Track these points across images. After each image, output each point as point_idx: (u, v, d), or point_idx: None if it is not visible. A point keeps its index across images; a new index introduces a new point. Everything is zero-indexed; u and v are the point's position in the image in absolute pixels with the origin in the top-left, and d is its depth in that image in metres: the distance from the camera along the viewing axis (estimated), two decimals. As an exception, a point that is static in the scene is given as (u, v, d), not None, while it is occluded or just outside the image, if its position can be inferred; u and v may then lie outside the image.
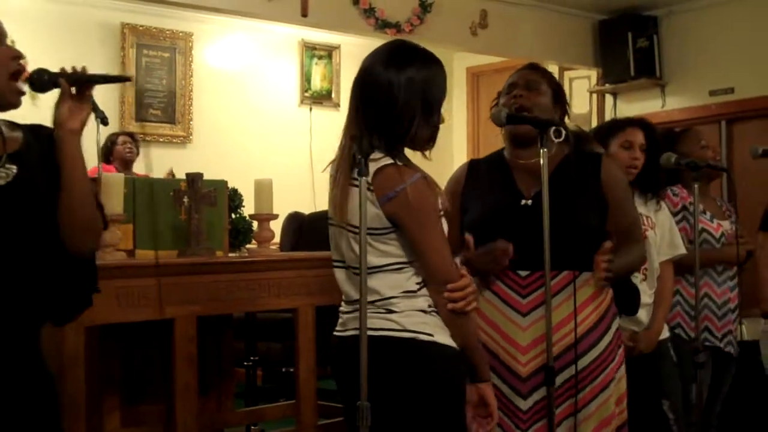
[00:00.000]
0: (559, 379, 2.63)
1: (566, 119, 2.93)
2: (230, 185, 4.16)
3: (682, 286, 3.63)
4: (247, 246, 4.24)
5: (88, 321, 3.21)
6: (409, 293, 2.21)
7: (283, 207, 5.60)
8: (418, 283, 2.23)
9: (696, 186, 3.24)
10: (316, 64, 8.44)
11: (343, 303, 2.35)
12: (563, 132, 2.54)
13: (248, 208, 4.19)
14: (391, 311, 2.20)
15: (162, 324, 3.45)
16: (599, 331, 2.71)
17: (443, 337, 2.22)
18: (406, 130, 2.23)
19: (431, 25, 6.71)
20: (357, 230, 2.15)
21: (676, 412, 3.34)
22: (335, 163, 2.30)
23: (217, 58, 7.84)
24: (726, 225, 3.77)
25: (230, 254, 3.98)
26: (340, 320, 2.35)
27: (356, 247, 2.18)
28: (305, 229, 6.11)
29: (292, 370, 4.11)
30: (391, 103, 2.22)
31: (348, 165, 2.21)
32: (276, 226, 5.28)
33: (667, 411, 3.34)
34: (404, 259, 2.22)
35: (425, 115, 2.26)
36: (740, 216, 3.93)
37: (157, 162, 6.83)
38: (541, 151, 2.50)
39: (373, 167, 2.17)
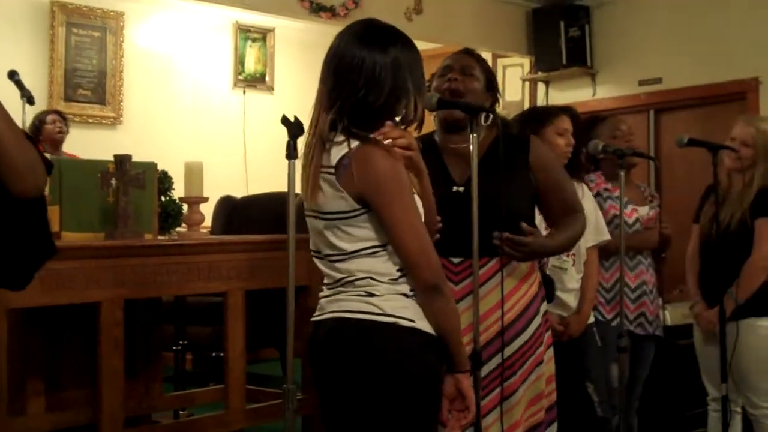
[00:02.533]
0: (489, 366, 2.66)
1: (497, 107, 2.95)
2: (161, 168, 4.10)
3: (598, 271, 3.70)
4: (177, 229, 4.20)
5: (11, 304, 3.16)
6: (392, 281, 2.14)
7: (215, 190, 5.56)
8: (398, 270, 2.16)
9: (622, 173, 3.29)
10: (250, 46, 8.36)
11: (323, 288, 2.26)
12: (492, 117, 2.55)
13: (179, 191, 4.14)
14: (371, 294, 2.13)
15: (88, 307, 3.41)
16: (527, 316, 2.74)
17: (423, 323, 2.15)
18: (388, 108, 2.18)
19: (366, 9, 6.69)
20: (326, 217, 2.12)
21: (600, 395, 3.40)
22: (306, 147, 2.21)
23: (149, 38, 7.72)
24: (643, 211, 3.84)
25: (159, 237, 3.93)
26: (318, 306, 2.27)
27: (329, 234, 2.14)
28: (237, 213, 6.07)
29: (222, 354, 4.09)
30: (380, 85, 2.15)
31: (320, 150, 2.13)
32: (207, 210, 5.25)
33: (592, 394, 3.39)
34: (377, 243, 2.15)
35: (419, 92, 2.22)
36: (666, 202, 4.01)
37: (87, 143, 6.69)
38: (471, 136, 2.51)
39: (343, 149, 2.11)
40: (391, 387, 2.11)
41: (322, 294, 2.24)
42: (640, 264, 3.78)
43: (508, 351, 2.68)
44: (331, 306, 2.17)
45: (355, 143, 2.11)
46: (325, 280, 2.23)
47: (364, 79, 2.14)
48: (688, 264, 3.89)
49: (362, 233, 2.13)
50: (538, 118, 3.56)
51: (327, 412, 2.20)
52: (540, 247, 2.72)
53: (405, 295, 2.15)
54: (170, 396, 4.39)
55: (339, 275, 2.17)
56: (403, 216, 2.11)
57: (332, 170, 2.10)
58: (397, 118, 2.20)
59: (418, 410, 2.15)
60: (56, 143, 6.17)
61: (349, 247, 2.14)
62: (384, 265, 2.14)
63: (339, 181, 2.09)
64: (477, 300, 2.53)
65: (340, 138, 2.13)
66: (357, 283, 2.14)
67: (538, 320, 2.77)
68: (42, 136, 6.03)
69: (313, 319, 2.25)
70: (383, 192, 2.09)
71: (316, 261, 2.24)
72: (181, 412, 4.53)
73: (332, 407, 2.17)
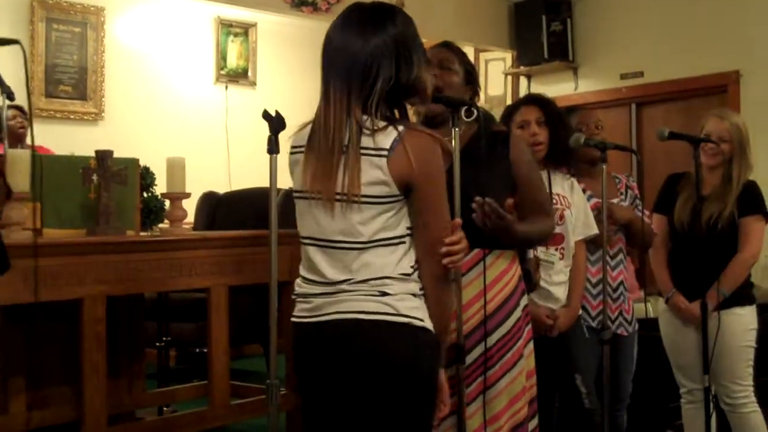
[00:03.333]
0: (470, 357, 2.68)
1: (477, 100, 2.95)
2: (143, 164, 4.09)
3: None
4: (160, 225, 4.18)
5: (-8, 302, 3.15)
6: (404, 275, 2.14)
7: (197, 186, 5.54)
8: (412, 266, 2.16)
9: (604, 167, 3.28)
10: (232, 41, 8.32)
11: (308, 284, 2.20)
12: (475, 112, 2.55)
13: (161, 187, 4.13)
14: (385, 293, 2.11)
15: (70, 304, 3.39)
16: (508, 308, 2.76)
17: (429, 323, 2.16)
18: (418, 84, 2.20)
19: (347, 3, 6.66)
20: (357, 200, 2.08)
21: (588, 387, 3.41)
22: (314, 133, 2.18)
23: (130, 33, 7.68)
24: (615, 201, 3.83)
25: (142, 233, 3.92)
26: (306, 305, 2.20)
27: (353, 218, 2.10)
28: (220, 209, 6.05)
29: (205, 350, 4.08)
30: (399, 59, 2.16)
31: (355, 134, 2.10)
32: (190, 206, 5.24)
33: (580, 385, 3.40)
34: (399, 233, 2.15)
35: (425, 62, 2.25)
36: (648, 195, 4.01)
37: (68, 139, 6.65)
38: (453, 130, 2.51)
39: (392, 135, 2.10)
40: (407, 387, 2.11)
41: (308, 291, 2.18)
42: (621, 264, 3.76)
43: (489, 341, 2.71)
44: (335, 306, 2.13)
45: (400, 127, 2.11)
46: (315, 276, 2.17)
47: (385, 66, 2.14)
48: (655, 255, 3.88)
49: (387, 221, 2.13)
50: (506, 115, 3.56)
51: (324, 412, 2.18)
52: (511, 226, 2.68)
53: (415, 294, 2.15)
54: (153, 393, 4.38)
55: (342, 275, 2.13)
56: (442, 203, 2.16)
57: (382, 152, 2.09)
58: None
59: (427, 409, 2.18)
60: (19, 137, 6.06)
61: (371, 234, 2.12)
62: (400, 262, 2.14)
63: (387, 164, 2.09)
64: (459, 291, 2.53)
65: (381, 124, 2.12)
66: (371, 282, 2.12)
67: (518, 312, 2.79)
68: (2, 133, 5.94)
69: (302, 320, 2.19)
70: (432, 178, 2.12)
71: (313, 249, 2.17)
72: (164, 408, 4.52)
73: (338, 407, 2.14)
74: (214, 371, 3.80)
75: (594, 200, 3.72)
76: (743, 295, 3.75)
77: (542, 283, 3.28)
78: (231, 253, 3.82)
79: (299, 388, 2.22)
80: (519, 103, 3.59)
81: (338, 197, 2.10)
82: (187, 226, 4.41)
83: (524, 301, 2.85)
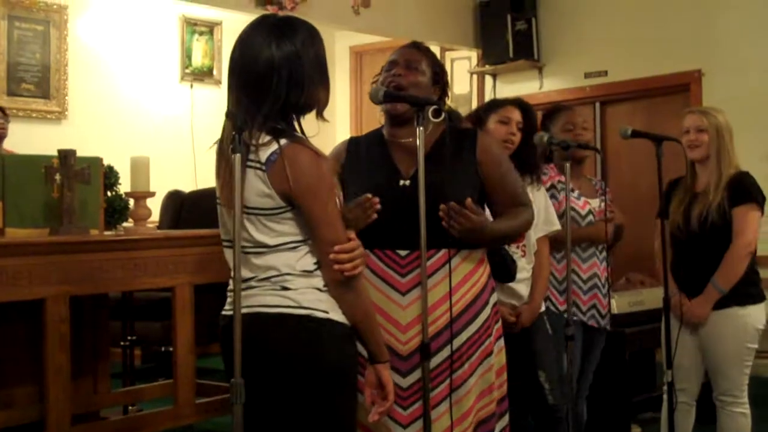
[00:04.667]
0: (438, 358, 2.68)
1: (448, 99, 2.96)
2: (108, 163, 4.07)
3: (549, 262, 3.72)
4: (124, 224, 4.16)
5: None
6: (306, 272, 2.20)
7: (162, 185, 5.52)
8: (315, 263, 2.21)
9: (568, 165, 3.31)
10: (197, 40, 8.30)
11: (230, 281, 2.27)
12: (440, 111, 2.56)
13: (125, 186, 4.11)
14: (286, 288, 2.18)
15: (33, 304, 3.36)
16: (476, 307, 2.76)
17: (337, 314, 2.22)
18: (310, 102, 2.25)
19: (313, 2, 6.66)
20: (251, 211, 2.16)
21: (551, 383, 3.44)
22: (223, 142, 2.26)
23: (93, 32, 7.62)
24: (595, 203, 3.87)
25: (106, 233, 3.90)
26: (228, 299, 2.31)
27: (250, 228, 2.19)
28: (185, 208, 6.03)
29: (171, 349, 4.06)
30: (291, 79, 2.20)
31: (245, 148, 2.15)
32: (155, 205, 5.21)
33: (543, 382, 3.43)
34: (299, 238, 2.20)
35: (324, 80, 2.28)
36: (612, 193, 4.04)
37: (31, 138, 6.58)
38: (417, 129, 2.52)
39: (272, 148, 2.15)
40: (309, 375, 2.17)
41: (231, 287, 2.26)
42: (593, 256, 3.79)
43: (457, 342, 2.70)
44: (246, 301, 2.19)
45: (282, 141, 2.16)
46: (232, 274, 2.24)
47: (281, 81, 2.19)
48: (656, 260, 3.80)
49: (284, 228, 2.20)
50: (487, 107, 3.62)
51: (248, 404, 2.20)
52: (481, 225, 2.69)
53: (318, 289, 2.21)
54: (118, 392, 4.37)
55: (251, 273, 2.21)
56: (328, 213, 2.19)
57: (262, 167, 2.15)
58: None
59: (334, 398, 2.21)
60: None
61: (271, 241, 2.19)
62: (302, 259, 2.20)
63: (268, 179, 2.14)
64: (425, 291, 2.54)
65: (266, 138, 2.17)
66: (273, 279, 2.19)
67: (487, 311, 2.79)
68: None
69: (225, 312, 2.30)
70: (309, 190, 2.17)
71: (227, 251, 2.28)
72: (130, 407, 4.50)
73: (254, 395, 2.18)
74: (179, 370, 3.80)
75: (583, 199, 3.77)
76: (745, 292, 3.68)
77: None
78: (196, 252, 3.82)
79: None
80: (505, 102, 3.64)
81: (233, 208, 2.16)
82: (151, 225, 4.40)
83: (494, 299, 2.86)
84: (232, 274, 2.24)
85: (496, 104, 3.65)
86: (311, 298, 2.19)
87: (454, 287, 2.69)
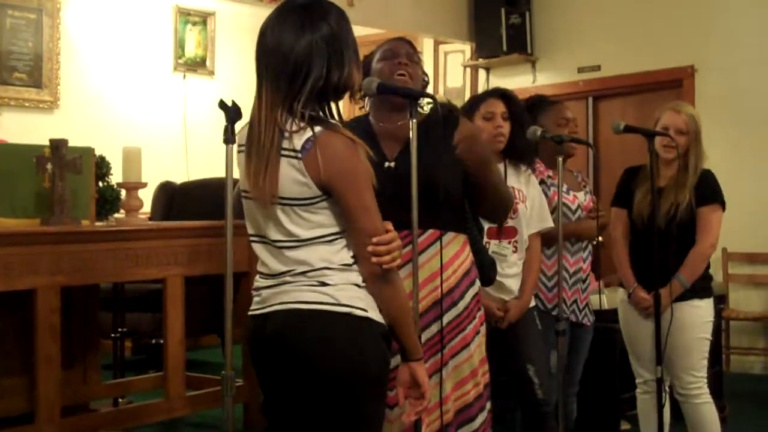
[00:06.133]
0: (424, 336, 2.69)
1: (433, 91, 2.98)
2: (100, 153, 4.06)
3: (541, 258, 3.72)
4: (115, 215, 4.15)
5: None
6: (345, 266, 2.12)
7: (155, 175, 5.50)
8: (352, 256, 2.14)
9: (560, 160, 3.32)
10: (191, 30, 8.27)
11: (260, 278, 2.19)
12: (433, 103, 2.57)
13: (117, 177, 4.09)
14: (324, 284, 2.10)
15: (24, 294, 3.35)
16: (460, 290, 2.79)
17: (375, 313, 2.14)
18: (350, 83, 2.19)
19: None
20: (286, 202, 2.09)
21: (540, 378, 3.44)
22: (250, 132, 2.16)
23: (86, 21, 7.59)
24: (581, 196, 3.89)
25: (97, 223, 3.89)
26: (257, 298, 2.20)
27: (284, 219, 2.11)
28: (177, 199, 6.01)
29: (161, 341, 4.05)
30: (332, 60, 2.14)
31: (276, 136, 2.09)
32: (147, 196, 5.20)
33: (533, 376, 3.43)
34: (336, 230, 2.13)
35: (358, 59, 2.24)
36: (604, 188, 4.05)
37: (22, 128, 6.56)
38: (411, 122, 2.52)
39: (305, 135, 2.08)
40: (346, 376, 2.10)
41: (260, 284, 2.18)
42: (580, 251, 3.81)
43: (445, 320, 2.73)
44: (279, 297, 2.12)
45: (317, 128, 2.09)
46: (264, 270, 2.18)
47: (322, 64, 2.12)
48: (617, 249, 3.87)
49: (320, 219, 2.12)
50: (470, 106, 3.60)
51: (276, 404, 2.18)
52: (490, 157, 2.80)
53: (357, 285, 2.13)
54: (109, 384, 4.36)
55: (285, 267, 2.12)
56: (364, 204, 2.12)
57: (298, 154, 2.08)
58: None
59: (371, 398, 2.15)
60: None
61: (305, 233, 2.11)
62: (338, 253, 2.13)
63: (305, 166, 2.07)
64: (416, 271, 2.53)
65: (301, 124, 2.10)
66: (310, 273, 2.11)
67: (470, 295, 2.82)
68: None
69: (254, 312, 2.18)
70: (344, 178, 2.09)
71: (258, 246, 2.18)
72: (120, 399, 4.49)
73: (286, 399, 2.14)
74: (170, 362, 3.79)
75: (572, 193, 3.78)
76: (702, 287, 3.77)
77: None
78: (187, 243, 3.81)
79: (259, 382, 2.22)
80: (486, 95, 3.62)
81: (268, 199, 2.10)
82: (143, 216, 4.39)
83: (476, 287, 2.87)
84: (259, 269, 2.17)
85: (478, 100, 3.61)
86: (350, 294, 2.11)
87: (443, 266, 2.72)
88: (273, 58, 2.14)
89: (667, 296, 3.65)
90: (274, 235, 2.12)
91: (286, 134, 2.08)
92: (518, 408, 3.58)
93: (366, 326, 2.11)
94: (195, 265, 3.82)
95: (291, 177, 2.09)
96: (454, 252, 2.79)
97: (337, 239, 2.13)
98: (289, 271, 2.11)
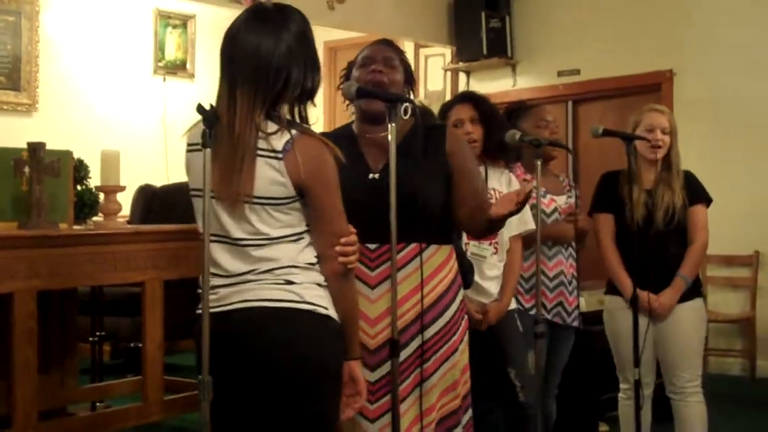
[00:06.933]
0: (406, 352, 2.68)
1: (414, 97, 2.96)
2: (79, 156, 4.05)
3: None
4: (93, 219, 4.13)
5: None
6: (309, 265, 2.21)
7: (134, 179, 5.49)
8: (315, 256, 2.23)
9: (539, 163, 3.31)
10: (171, 33, 8.26)
11: (212, 277, 2.20)
12: (413, 109, 2.57)
13: (96, 180, 4.08)
14: (290, 282, 2.17)
15: (0, 298, 3.33)
16: (445, 302, 2.77)
17: (333, 311, 2.23)
18: (316, 86, 2.28)
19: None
20: (258, 201, 2.15)
21: (522, 380, 3.45)
22: (221, 132, 2.19)
23: (65, 23, 7.56)
24: (561, 200, 3.88)
25: (75, 227, 3.87)
26: (212, 296, 2.20)
27: (253, 218, 2.17)
28: (156, 202, 5.99)
29: (140, 345, 4.04)
30: (305, 64, 2.23)
31: (254, 137, 2.16)
32: (126, 199, 5.18)
33: (513, 379, 3.44)
34: (301, 229, 2.21)
35: (316, 65, 2.29)
36: (583, 192, 4.05)
37: (0, 131, 6.52)
38: (390, 126, 2.52)
39: (285, 137, 2.16)
40: (309, 373, 2.16)
41: (215, 283, 2.20)
42: (559, 254, 3.81)
43: (426, 335, 2.71)
44: (241, 295, 2.17)
45: (294, 131, 2.18)
46: (218, 270, 2.20)
47: (295, 70, 2.21)
48: (610, 255, 3.83)
49: (289, 219, 2.19)
50: (441, 114, 3.61)
51: (232, 402, 2.19)
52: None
53: (319, 284, 2.22)
54: (86, 388, 4.34)
55: (247, 266, 2.17)
56: (334, 205, 2.23)
57: (278, 155, 2.15)
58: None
59: (330, 395, 2.23)
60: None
61: (274, 232, 2.18)
62: (303, 252, 2.21)
63: (285, 167, 2.14)
64: (395, 286, 2.53)
65: (274, 127, 2.17)
66: (276, 271, 2.17)
67: (454, 307, 2.80)
68: None
69: (217, 310, 2.19)
70: (322, 182, 2.19)
71: (218, 246, 2.21)
72: (98, 404, 4.47)
73: (244, 396, 2.17)
74: (148, 366, 3.77)
75: (549, 197, 3.78)
76: (698, 286, 3.82)
77: (475, 278, 3.32)
78: (166, 247, 3.79)
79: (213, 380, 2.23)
80: (453, 102, 3.64)
81: (239, 198, 2.15)
82: (121, 220, 4.36)
83: (461, 294, 2.87)
84: (217, 270, 2.20)
85: (446, 108, 3.63)
86: (314, 293, 2.19)
87: (424, 280, 2.71)
88: (250, 62, 2.19)
89: (673, 295, 3.69)
90: (238, 233, 2.17)
91: (263, 135, 2.14)
92: (499, 410, 3.58)
93: (327, 324, 2.20)
94: (174, 269, 3.80)
95: (269, 177, 2.15)
96: (438, 263, 2.77)
97: (301, 239, 2.21)
98: (253, 270, 2.17)
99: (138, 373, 4.11)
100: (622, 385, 3.86)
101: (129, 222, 5.83)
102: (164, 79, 8.15)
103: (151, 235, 3.86)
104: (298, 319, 2.16)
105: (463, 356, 2.85)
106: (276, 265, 2.17)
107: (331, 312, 2.21)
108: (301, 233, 2.22)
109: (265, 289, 2.16)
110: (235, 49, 2.23)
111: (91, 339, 4.75)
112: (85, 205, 4.07)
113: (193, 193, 2.31)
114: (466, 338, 2.88)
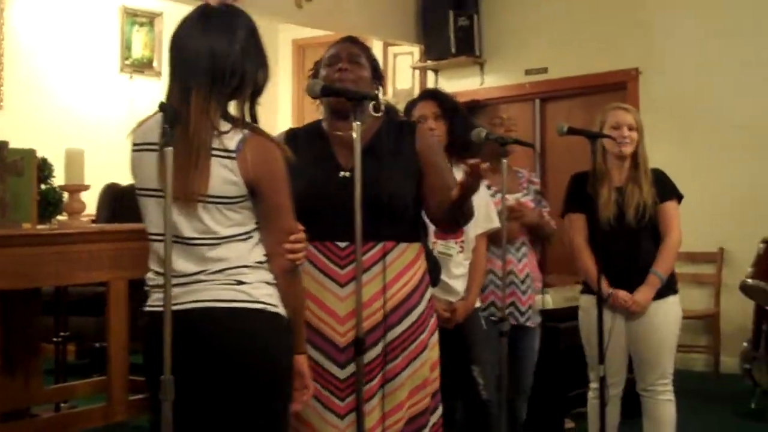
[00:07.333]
0: (374, 350, 2.68)
1: (382, 94, 2.96)
2: (44, 155, 4.00)
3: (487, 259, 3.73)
4: (58, 218, 4.09)
5: None
6: (258, 264, 2.23)
7: (101, 177, 5.44)
8: (264, 255, 2.25)
9: (505, 162, 3.32)
10: (137, 31, 8.20)
11: (160, 277, 2.23)
12: (380, 106, 2.57)
13: (60, 179, 4.04)
14: (241, 282, 2.19)
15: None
16: (413, 300, 2.77)
17: (282, 309, 2.25)
18: (260, 87, 2.28)
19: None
20: (211, 200, 2.16)
21: (485, 378, 3.46)
22: (173, 132, 2.16)
23: (31, 21, 7.48)
24: (517, 197, 3.88)
25: (39, 226, 3.83)
26: (161, 294, 2.18)
27: (206, 217, 2.18)
28: (123, 201, 5.94)
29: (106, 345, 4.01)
30: (255, 62, 2.25)
31: (209, 136, 2.16)
32: (92, 198, 5.14)
33: (477, 377, 3.46)
34: (251, 228, 2.24)
35: (265, 62, 2.30)
36: (550, 190, 4.06)
37: (-37, 129, 6.45)
38: (354, 124, 2.52)
39: (237, 137, 2.17)
40: (262, 370, 2.19)
41: (162, 282, 2.17)
42: (507, 253, 3.77)
43: (392, 335, 2.71)
44: (192, 295, 2.17)
45: (246, 131, 2.19)
46: (174, 272, 2.16)
47: (249, 69, 2.23)
48: (582, 255, 3.81)
49: (239, 218, 2.21)
50: (406, 112, 3.62)
51: (192, 402, 2.18)
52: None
53: (268, 282, 2.24)
54: (50, 389, 4.30)
55: (198, 266, 2.18)
56: (284, 204, 2.25)
57: (231, 154, 2.16)
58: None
59: (282, 391, 2.26)
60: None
61: (224, 231, 2.19)
62: (253, 251, 2.23)
63: (237, 166, 2.16)
64: (360, 284, 2.53)
65: (228, 126, 2.19)
66: (228, 272, 2.19)
67: (422, 306, 2.80)
68: None
69: (156, 308, 2.20)
70: (273, 180, 2.22)
71: (161, 246, 2.18)
72: (62, 404, 4.43)
73: (193, 395, 2.17)
74: (113, 366, 3.75)
75: (498, 196, 3.78)
76: (674, 283, 3.82)
77: (442, 276, 3.32)
78: (131, 246, 3.76)
79: (148, 377, 2.27)
80: (417, 99, 3.65)
81: (194, 197, 2.16)
82: (86, 219, 4.33)
83: (429, 292, 2.87)
84: (158, 269, 2.24)
85: (410, 105, 3.66)
86: (264, 292, 2.21)
87: (391, 280, 2.71)
88: (204, 62, 2.19)
89: (648, 292, 3.69)
90: (189, 233, 2.18)
91: (216, 134, 2.15)
92: (462, 409, 3.59)
93: (277, 321, 2.22)
94: (139, 268, 3.73)
95: (222, 176, 2.16)
96: (408, 261, 2.77)
97: (250, 237, 2.23)
98: (203, 270, 2.19)
99: (103, 374, 4.07)
100: (591, 384, 3.86)
101: (95, 221, 5.77)
102: (131, 77, 8.09)
103: (115, 234, 3.83)
104: (250, 318, 2.18)
105: (432, 353, 2.85)
106: (226, 265, 2.19)
107: (281, 309, 2.24)
108: (251, 231, 2.24)
109: (216, 290, 2.17)
110: (186, 50, 2.23)
111: (55, 339, 4.71)
112: (49, 204, 4.03)
113: (140, 192, 2.31)
114: (436, 335, 2.89)
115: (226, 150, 2.16)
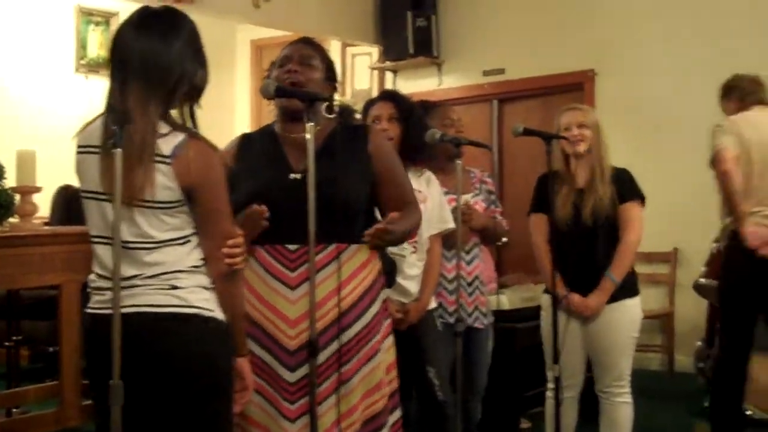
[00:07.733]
0: (326, 353, 2.68)
1: (337, 95, 2.96)
2: (-5, 156, 3.95)
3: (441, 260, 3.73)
4: (10, 220, 4.04)
5: None
6: (194, 268, 2.22)
7: (55, 179, 5.37)
8: (201, 259, 2.24)
9: (460, 163, 3.32)
10: (93, 30, 8.11)
11: (101, 279, 2.25)
12: (333, 107, 2.56)
13: (12, 181, 3.99)
14: (175, 287, 2.19)
15: None
16: (365, 302, 2.77)
17: (219, 313, 2.24)
18: (200, 88, 2.29)
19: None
20: (148, 204, 2.15)
21: (440, 379, 3.46)
22: (102, 135, 2.21)
23: (-18, 20, 7.38)
24: (465, 199, 3.87)
25: (-10, 229, 3.78)
26: (101, 297, 2.24)
27: (141, 221, 2.17)
28: (77, 203, 5.85)
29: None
30: (195, 63, 2.26)
31: (152, 139, 2.15)
32: (45, 200, 5.07)
33: (433, 378, 3.46)
34: (188, 233, 2.23)
35: (205, 64, 2.31)
36: (508, 190, 4.07)
37: None
38: (307, 125, 2.51)
39: (174, 141, 2.17)
40: (199, 374, 2.19)
41: (102, 285, 2.24)
42: (455, 257, 3.77)
43: (345, 337, 2.71)
44: (129, 300, 2.16)
45: (183, 135, 2.19)
46: (104, 271, 2.23)
47: (188, 70, 2.24)
48: (541, 255, 3.82)
49: (176, 222, 2.21)
50: (363, 112, 3.62)
51: (133, 406, 2.15)
52: (395, 234, 2.73)
53: (205, 287, 2.24)
54: (2, 394, 4.24)
55: (134, 270, 2.18)
56: (223, 208, 2.27)
57: (166, 159, 2.15)
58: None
59: (222, 394, 2.26)
60: None
61: (160, 235, 2.19)
62: (189, 255, 2.23)
63: (172, 171, 2.15)
64: (313, 287, 2.51)
65: (166, 129, 2.18)
66: (162, 276, 2.19)
67: (375, 307, 2.80)
68: None
69: (98, 311, 2.23)
70: (211, 183, 2.22)
71: (102, 248, 2.24)
72: (14, 410, 4.36)
73: (142, 400, 2.16)
74: (65, 371, 3.71)
75: (450, 196, 3.78)
76: (632, 284, 3.79)
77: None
78: (83, 249, 3.66)
79: (91, 381, 2.30)
80: (375, 100, 3.65)
81: (132, 201, 2.15)
82: (38, 221, 4.27)
83: (383, 294, 2.87)
84: (99, 271, 2.24)
85: (368, 106, 3.65)
86: (199, 297, 2.21)
87: (343, 282, 2.71)
88: (143, 64, 2.20)
89: (601, 296, 3.68)
90: (127, 236, 2.17)
91: (158, 136, 2.16)
92: (417, 410, 3.59)
93: (214, 326, 2.22)
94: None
95: (158, 181, 2.16)
96: (360, 262, 2.77)
97: (188, 241, 2.23)
98: (140, 274, 2.19)
99: (57, 378, 4.02)
100: (549, 384, 3.86)
101: (49, 223, 5.70)
102: (86, 77, 8.00)
103: (68, 237, 3.79)
104: (184, 323, 2.18)
105: (387, 355, 2.85)
106: (162, 270, 2.19)
107: (217, 313, 2.24)
108: (188, 236, 2.23)
109: (151, 294, 2.17)
110: (127, 51, 2.23)
111: (7, 343, 4.64)
112: (1, 206, 3.97)
113: (84, 195, 2.30)
114: (391, 337, 2.88)
115: (161, 155, 2.15)
